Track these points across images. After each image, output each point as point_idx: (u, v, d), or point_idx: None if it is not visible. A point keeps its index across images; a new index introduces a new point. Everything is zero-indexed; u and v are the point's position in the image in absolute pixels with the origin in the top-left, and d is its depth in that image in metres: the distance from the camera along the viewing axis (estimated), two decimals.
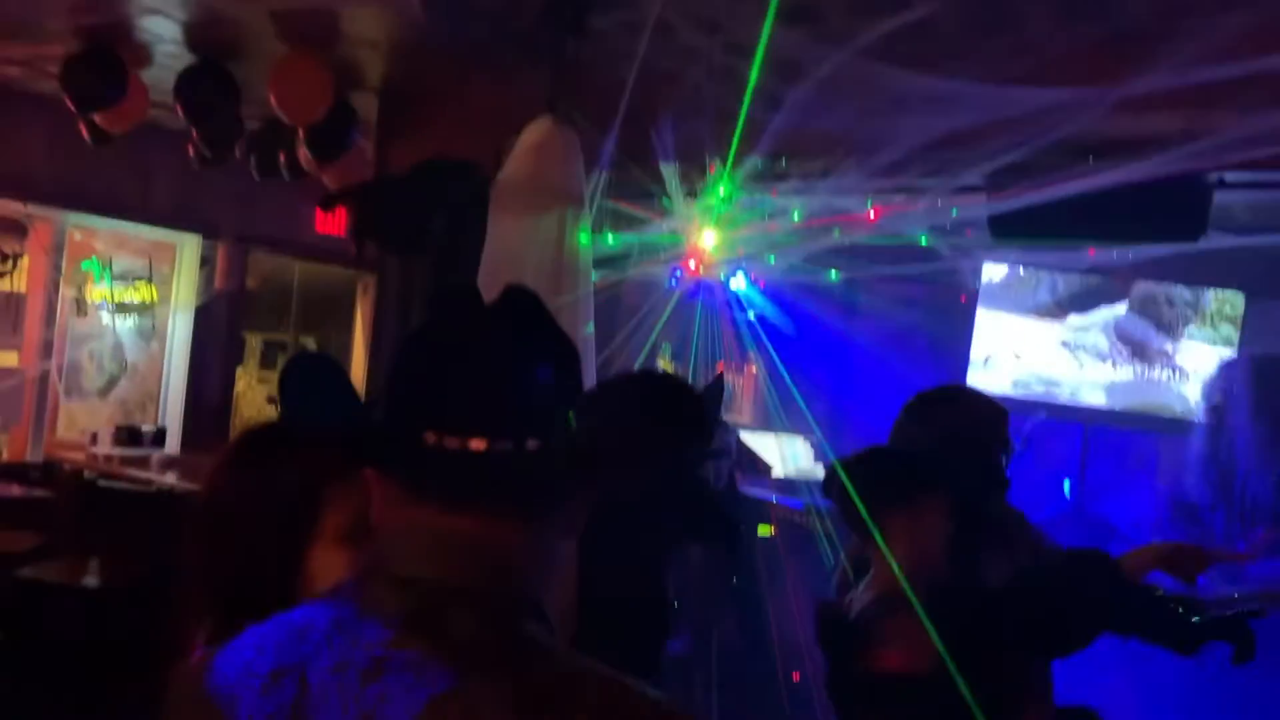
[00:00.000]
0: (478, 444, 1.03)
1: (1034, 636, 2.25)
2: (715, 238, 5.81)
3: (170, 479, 5.99)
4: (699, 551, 4.57)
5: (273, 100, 4.56)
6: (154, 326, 7.10)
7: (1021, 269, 6.27)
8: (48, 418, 6.58)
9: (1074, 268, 6.17)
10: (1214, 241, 4.17)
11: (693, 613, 4.89)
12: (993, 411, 2.68)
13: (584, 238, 4.03)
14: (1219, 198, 3.83)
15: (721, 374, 5.65)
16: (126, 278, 6.99)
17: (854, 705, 2.38)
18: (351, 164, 5.15)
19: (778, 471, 6.39)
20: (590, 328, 4.03)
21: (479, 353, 1.06)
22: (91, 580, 4.60)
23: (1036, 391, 6.29)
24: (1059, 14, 3.44)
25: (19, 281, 6.51)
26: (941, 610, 2.16)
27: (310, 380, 1.17)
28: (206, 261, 7.03)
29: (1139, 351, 6.21)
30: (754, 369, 7.76)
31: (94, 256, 6.85)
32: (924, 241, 5.70)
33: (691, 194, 5.32)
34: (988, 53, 3.54)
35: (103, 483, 5.66)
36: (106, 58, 4.59)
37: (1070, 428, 6.33)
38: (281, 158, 5.21)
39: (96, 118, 4.81)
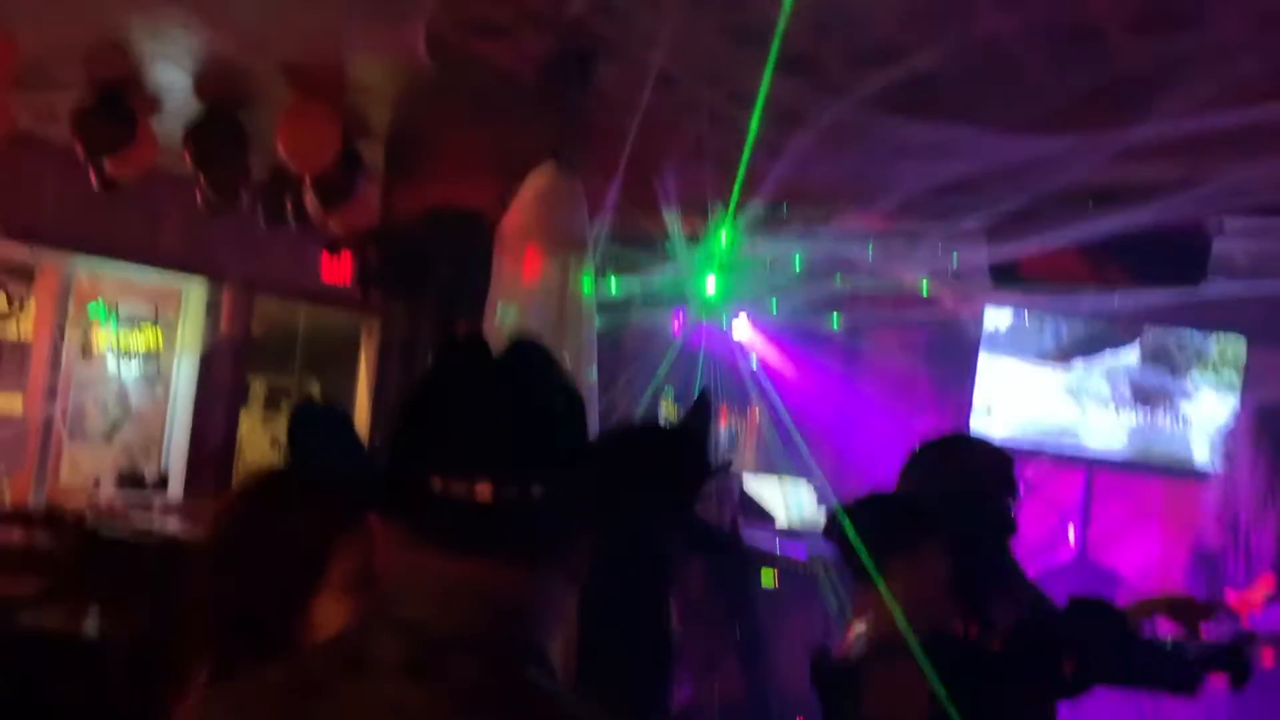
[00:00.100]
0: (483, 490, 1.03)
1: (1035, 684, 2.23)
2: (718, 283, 5.84)
3: (173, 525, 5.97)
4: (702, 599, 4.55)
5: (281, 148, 4.60)
6: (158, 372, 7.12)
7: (1026, 315, 6.29)
8: (51, 463, 6.57)
9: (1076, 311, 6.19)
10: (1215, 287, 4.20)
11: (695, 661, 4.85)
12: (998, 458, 2.68)
13: (587, 284, 4.05)
14: (1219, 243, 3.85)
15: (705, 392, 5.64)
16: (132, 323, 7.02)
17: None
18: (357, 210, 5.19)
19: (781, 521, 6.36)
20: (593, 373, 4.04)
21: (486, 400, 1.07)
22: (92, 628, 4.57)
23: (1040, 438, 6.27)
24: (1057, 63, 3.48)
25: (25, 326, 6.54)
26: (941, 656, 2.15)
27: (317, 429, 1.18)
28: (212, 307, 7.06)
29: (1143, 397, 6.21)
30: (756, 414, 7.75)
31: (100, 301, 6.89)
32: (925, 287, 5.72)
33: (694, 240, 5.36)
34: (987, 102, 3.59)
35: (104, 529, 5.64)
36: (117, 106, 4.64)
37: (1074, 474, 6.31)
38: (288, 204, 5.25)
39: (106, 165, 4.86)
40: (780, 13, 3.25)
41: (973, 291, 5.67)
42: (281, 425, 9.08)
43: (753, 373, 6.84)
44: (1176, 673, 2.25)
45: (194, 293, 7.12)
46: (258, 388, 9.05)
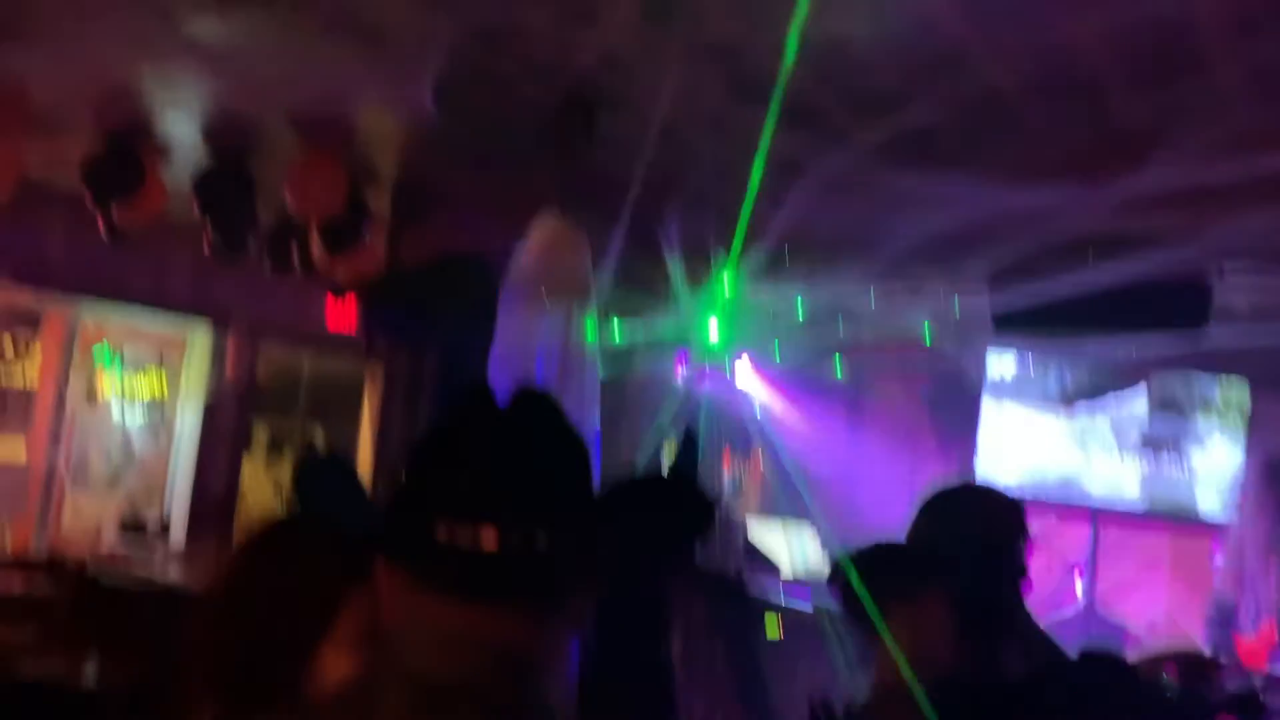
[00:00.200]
0: (488, 538, 1.04)
1: None
2: (720, 330, 5.86)
3: (174, 573, 5.95)
4: (704, 646, 4.51)
5: (288, 197, 4.64)
6: (162, 418, 7.12)
7: (1031, 361, 6.30)
8: (53, 509, 6.56)
9: (1080, 357, 6.19)
10: (1217, 333, 4.21)
11: (696, 708, 4.80)
12: (1010, 504, 2.67)
13: (591, 331, 4.07)
14: (1220, 290, 3.87)
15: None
16: (137, 367, 7.04)
17: None
18: (363, 257, 5.22)
19: (785, 569, 6.32)
20: (596, 419, 4.04)
21: (492, 448, 1.08)
22: (91, 676, 4.53)
23: (1045, 484, 6.25)
24: (1056, 116, 3.53)
25: (30, 371, 6.56)
26: (946, 705, 2.13)
27: (323, 480, 1.18)
28: (217, 352, 7.08)
29: (1148, 444, 6.19)
30: (760, 460, 7.73)
31: (106, 349, 6.91)
32: (927, 333, 5.74)
33: (697, 287, 5.39)
34: (987, 152, 3.63)
35: (105, 577, 5.61)
36: (126, 154, 4.69)
37: (1079, 522, 6.28)
38: (294, 251, 5.28)
39: (114, 212, 4.90)
40: (781, 66, 3.30)
41: (975, 338, 5.68)
42: (284, 470, 9.07)
43: (756, 419, 6.84)
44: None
45: (199, 338, 7.15)
46: (261, 433, 9.05)
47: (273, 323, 7.05)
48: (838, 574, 2.42)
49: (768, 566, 6.29)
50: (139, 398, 7.04)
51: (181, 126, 4.55)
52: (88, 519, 6.75)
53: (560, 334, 3.91)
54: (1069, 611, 6.10)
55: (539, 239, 3.96)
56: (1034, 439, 6.34)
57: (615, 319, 5.55)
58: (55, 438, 6.52)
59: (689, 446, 5.46)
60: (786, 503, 6.51)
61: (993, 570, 2.53)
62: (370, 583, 1.11)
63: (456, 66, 3.39)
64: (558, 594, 1.09)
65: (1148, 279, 3.51)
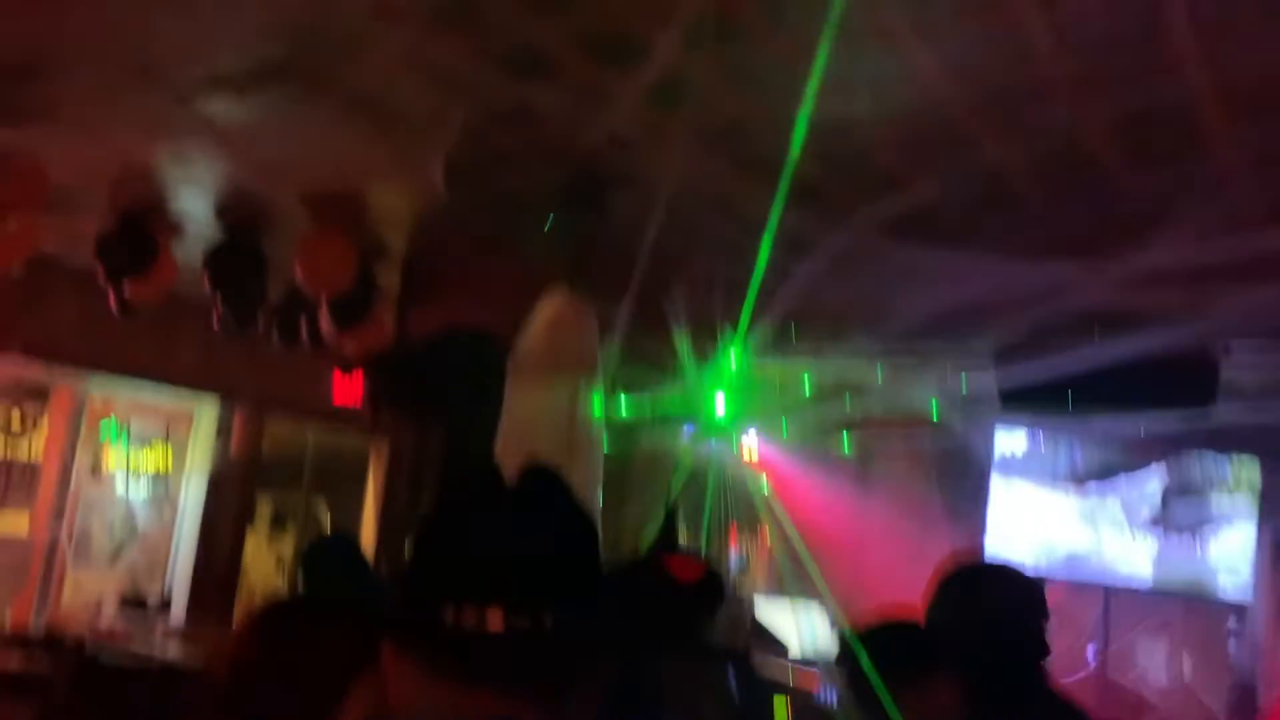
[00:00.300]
0: (494, 621, 1.03)
1: None
2: (727, 404, 5.85)
3: (174, 651, 5.87)
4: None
5: (298, 273, 4.68)
6: (167, 492, 7.10)
7: (1041, 439, 6.28)
8: (54, 586, 6.50)
9: (1089, 436, 6.17)
10: (1226, 411, 4.20)
11: None
12: (1030, 585, 2.64)
13: (597, 406, 4.07)
14: (1227, 367, 3.87)
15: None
16: (143, 442, 7.04)
17: None
18: (372, 332, 5.25)
19: (794, 648, 6.23)
20: (600, 496, 4.02)
21: (498, 530, 1.07)
22: None
23: (1055, 562, 6.19)
24: (1058, 194, 3.57)
25: (36, 446, 6.56)
26: None
27: (330, 562, 1.18)
28: (223, 427, 7.08)
29: (1160, 522, 6.14)
30: (767, 536, 7.67)
31: (113, 423, 6.92)
32: (934, 409, 5.73)
33: (703, 361, 5.40)
34: (990, 230, 3.66)
35: (104, 655, 5.54)
36: (139, 231, 4.74)
37: (1091, 595, 6.20)
38: (303, 326, 5.31)
39: (126, 289, 4.94)
40: (787, 145, 3.35)
41: (982, 414, 5.67)
42: (287, 545, 9.01)
43: (763, 494, 6.80)
44: None
45: (206, 412, 7.16)
46: (264, 507, 9.01)
47: (279, 397, 7.06)
48: (846, 653, 2.38)
49: (776, 645, 6.19)
50: (144, 472, 7.03)
51: (194, 204, 4.61)
52: (88, 595, 6.69)
53: (567, 410, 3.91)
54: (1079, 675, 6.00)
55: (546, 315, 3.98)
56: (1044, 516, 6.29)
57: (622, 394, 5.55)
58: (58, 512, 6.50)
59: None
60: (794, 580, 6.43)
61: (1015, 651, 2.49)
62: (376, 664, 1.10)
63: (466, 146, 3.45)
64: (565, 676, 1.08)
65: (1154, 357, 3.51)
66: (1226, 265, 3.15)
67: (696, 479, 6.72)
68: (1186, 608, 6.25)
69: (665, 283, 4.40)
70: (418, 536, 1.11)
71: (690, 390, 5.60)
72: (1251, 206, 3.19)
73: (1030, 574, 2.74)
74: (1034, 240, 3.57)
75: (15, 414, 6.49)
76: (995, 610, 2.53)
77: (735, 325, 4.62)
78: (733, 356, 5.19)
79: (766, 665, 5.76)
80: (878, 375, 5.17)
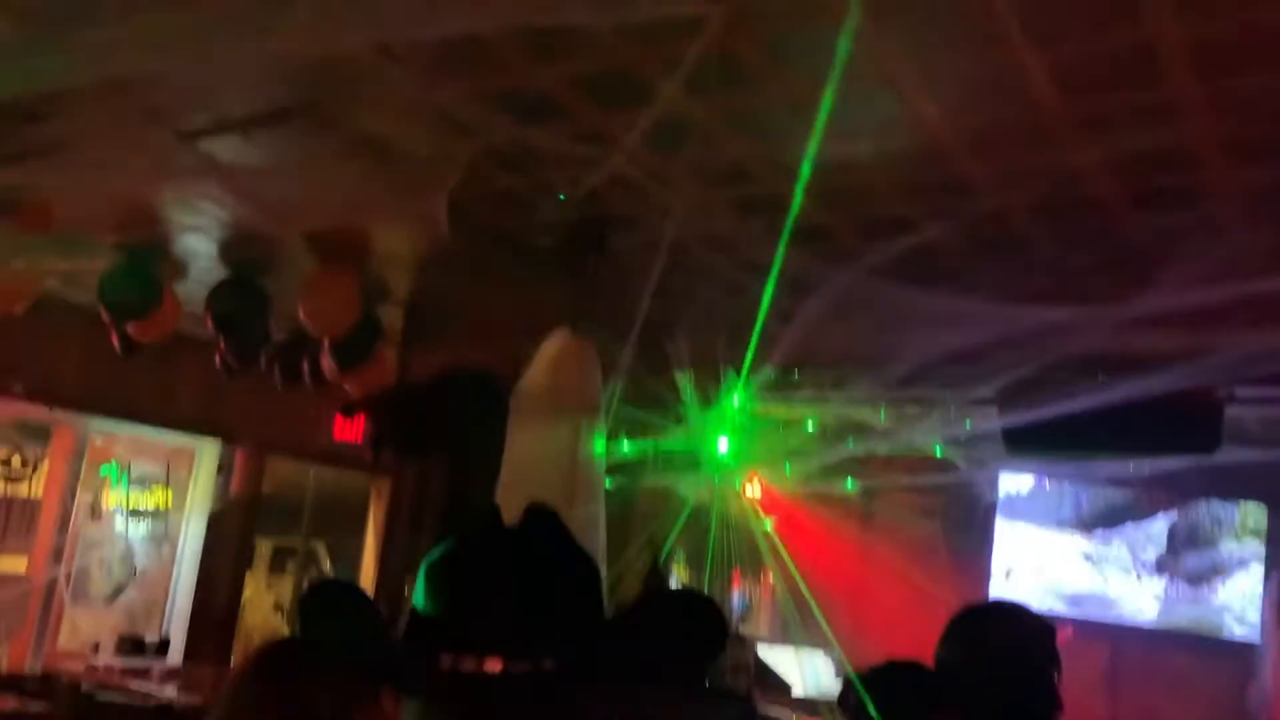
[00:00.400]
0: (493, 665, 1.02)
1: None
2: (730, 445, 5.83)
3: (170, 692, 5.81)
4: None
5: (302, 314, 4.69)
6: (166, 532, 7.07)
7: (1047, 482, 6.25)
8: (51, 626, 6.45)
9: (1095, 479, 6.14)
10: (1231, 454, 4.17)
11: None
12: (1042, 628, 2.60)
13: (599, 447, 4.06)
14: (1232, 411, 3.86)
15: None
16: (143, 483, 7.01)
17: None
18: (374, 372, 5.24)
19: (797, 690, 6.16)
20: (603, 536, 4.00)
21: (498, 577, 1.07)
22: None
23: (1061, 604, 6.13)
24: (1060, 238, 3.57)
25: (36, 486, 6.54)
26: None
27: (331, 606, 1.17)
28: (224, 467, 7.06)
29: (1167, 566, 6.10)
30: (771, 579, 7.61)
31: (113, 461, 6.90)
32: (938, 452, 5.71)
33: (707, 402, 5.39)
34: (993, 273, 3.67)
35: (100, 696, 5.49)
36: (144, 272, 4.76)
37: (1098, 643, 6.14)
38: (305, 367, 5.30)
39: (129, 328, 4.95)
40: (787, 187, 3.37)
41: (986, 456, 5.65)
42: (286, 587, 8.95)
43: (766, 536, 6.75)
44: None
45: (207, 452, 7.14)
46: (263, 548, 8.95)
47: (280, 437, 7.05)
48: (850, 695, 2.36)
49: (779, 687, 6.12)
50: (144, 512, 7.00)
51: (198, 243, 4.63)
52: (86, 634, 6.64)
53: (569, 450, 3.89)
54: None
55: (549, 354, 3.98)
56: (1049, 559, 6.24)
57: (624, 434, 5.54)
58: (57, 552, 6.46)
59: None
60: (798, 622, 6.37)
61: (1023, 690, 2.46)
62: (374, 707, 1.09)
63: (470, 186, 3.46)
64: (565, 717, 1.07)
65: (1159, 400, 3.50)
66: (1230, 309, 3.15)
67: (699, 520, 6.68)
68: (1195, 654, 6.18)
69: (668, 323, 4.41)
70: (419, 580, 1.10)
71: (693, 431, 5.58)
72: (1254, 250, 3.20)
73: (1042, 616, 2.70)
74: (1036, 282, 3.57)
75: (16, 456, 6.48)
76: (1004, 647, 2.50)
77: (738, 366, 4.62)
78: (736, 397, 5.18)
79: (769, 707, 5.70)
80: (882, 416, 5.15)
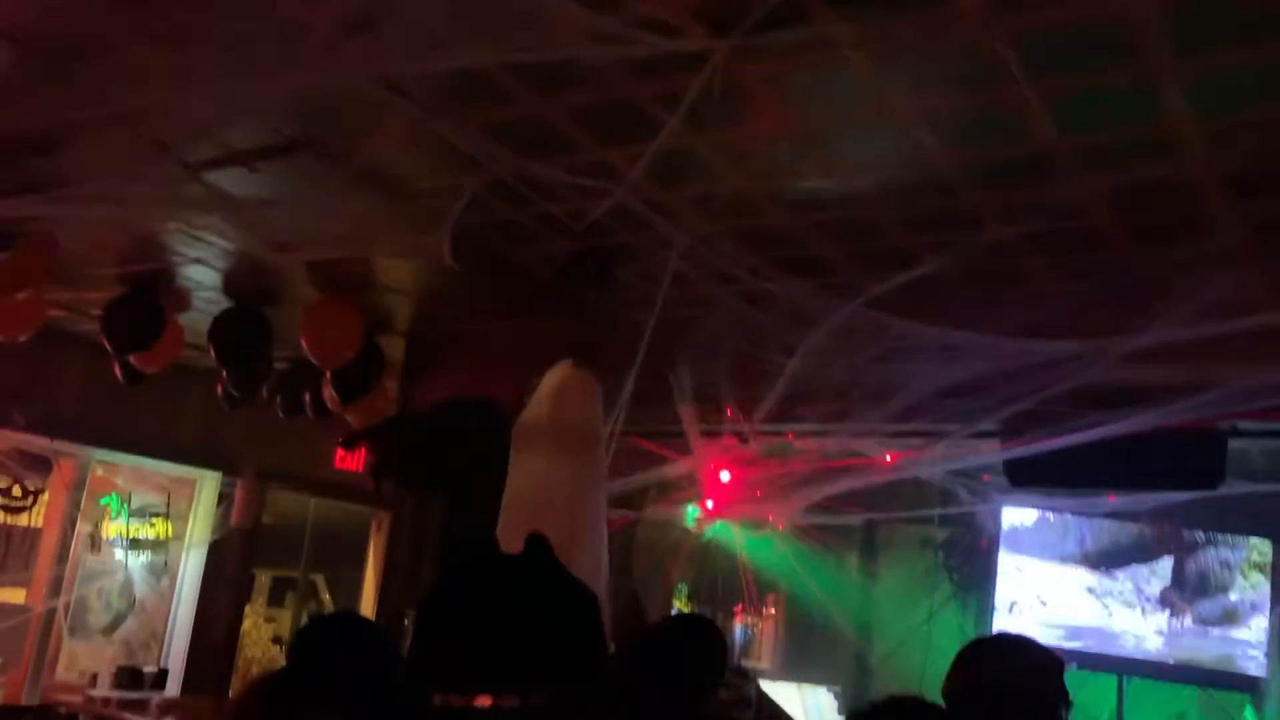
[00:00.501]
0: (482, 702, 1.02)
1: None
2: (732, 477, 5.81)
3: None
4: None
5: (304, 345, 4.70)
6: (166, 563, 7.04)
7: (1051, 516, 6.23)
8: (49, 658, 6.41)
9: (1098, 512, 6.12)
10: (1234, 488, 4.16)
11: None
12: (1052, 661, 2.58)
13: (601, 478, 4.04)
14: (1235, 445, 3.85)
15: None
16: (143, 514, 6.99)
17: None
18: (376, 403, 5.24)
19: None
20: (605, 568, 3.97)
21: (489, 611, 1.06)
22: None
23: (1064, 638, 6.09)
24: (1060, 271, 3.58)
25: (36, 517, 6.52)
26: None
27: (328, 641, 1.16)
28: (224, 497, 7.05)
29: (1169, 600, 6.06)
30: (773, 612, 7.57)
31: (114, 492, 6.89)
32: (942, 484, 5.68)
33: (709, 434, 5.38)
34: (994, 305, 3.67)
35: None
36: (147, 302, 4.77)
37: (1103, 678, 6.09)
38: (306, 397, 5.31)
39: (132, 358, 4.95)
40: (789, 220, 3.38)
41: (989, 490, 5.63)
42: (285, 619, 8.90)
43: (768, 570, 6.72)
44: None
45: (208, 483, 7.13)
46: (262, 579, 8.92)
47: (281, 468, 7.04)
48: None
49: (781, 718, 6.06)
50: (144, 544, 6.98)
51: (202, 274, 4.64)
52: (84, 665, 6.60)
53: (571, 481, 3.88)
54: None
55: (551, 385, 3.98)
56: (1053, 594, 6.20)
57: (626, 464, 5.52)
58: (56, 585, 6.43)
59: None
60: (802, 658, 6.33)
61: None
62: None
63: (473, 218, 3.48)
64: None
65: (1161, 434, 3.49)
66: (1231, 342, 3.14)
67: (701, 554, 6.65)
68: (1202, 687, 6.13)
69: (670, 353, 4.41)
70: (417, 616, 1.10)
71: (696, 462, 5.56)
72: (1256, 282, 3.20)
73: (1050, 649, 2.68)
74: (1038, 315, 3.57)
75: (17, 487, 6.48)
76: (1012, 682, 2.48)
77: (740, 398, 4.61)
78: (738, 429, 5.17)
79: None
80: (884, 448, 5.14)
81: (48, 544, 6.48)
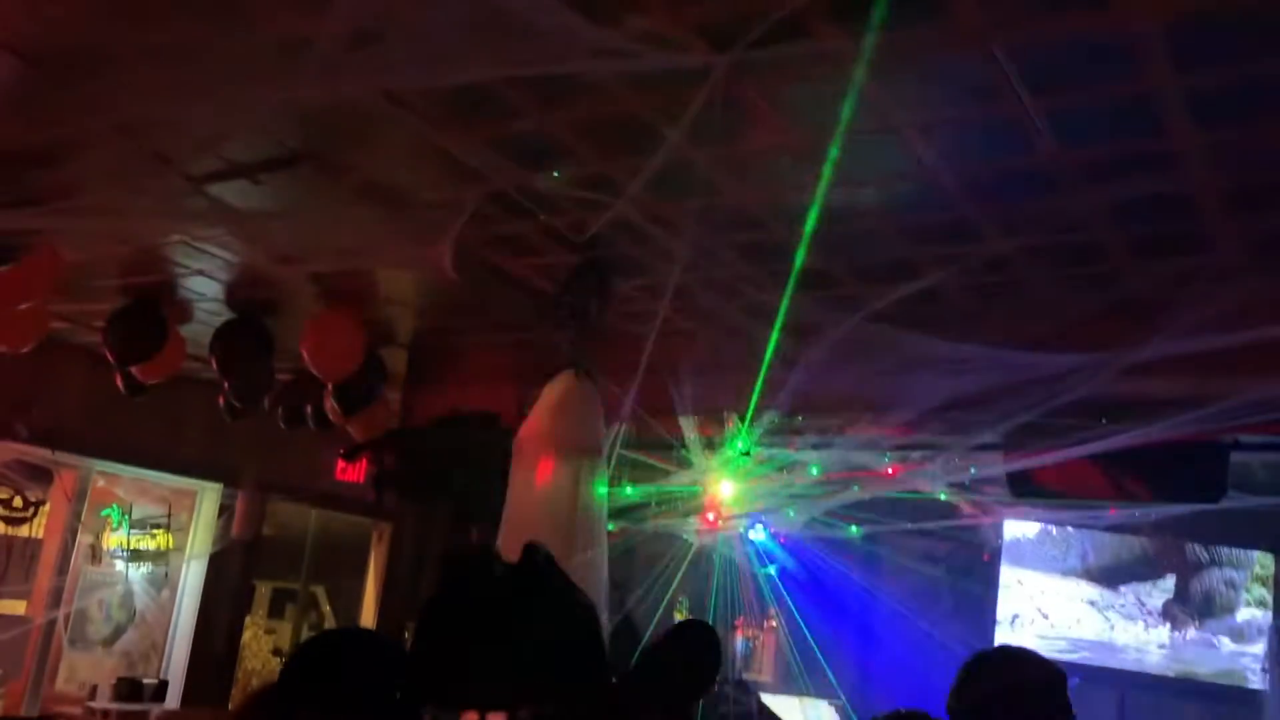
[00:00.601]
0: (470, 718, 1.02)
1: None
2: (734, 490, 5.81)
3: None
4: None
5: (306, 357, 4.70)
6: (166, 575, 7.03)
7: (1053, 530, 6.22)
8: (49, 669, 6.40)
9: (1100, 525, 6.11)
10: (1236, 502, 4.15)
11: None
12: (1054, 675, 2.58)
13: (601, 490, 4.04)
14: (1238, 458, 3.84)
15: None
16: (144, 525, 6.99)
17: None
18: (377, 414, 5.24)
19: None
20: (605, 580, 3.97)
21: (483, 625, 1.06)
22: None
23: (1065, 652, 6.07)
24: (1063, 284, 3.58)
25: (37, 528, 6.52)
26: None
27: (326, 655, 1.16)
28: (225, 509, 7.04)
29: (1170, 613, 6.04)
30: (774, 625, 7.54)
31: (114, 504, 6.88)
32: (944, 497, 5.68)
33: (710, 446, 5.37)
34: (996, 319, 3.67)
35: None
36: (150, 314, 4.78)
37: (1105, 691, 6.07)
38: (308, 409, 5.31)
39: (134, 369, 4.95)
40: (791, 233, 3.38)
41: (991, 503, 5.62)
42: (285, 630, 8.87)
43: (770, 581, 6.70)
44: None
45: (209, 495, 7.12)
46: (262, 590, 8.89)
47: (282, 480, 7.03)
48: None
49: None
50: (144, 555, 6.97)
51: (204, 286, 4.65)
52: (84, 676, 6.59)
53: (571, 493, 3.88)
54: None
55: (552, 397, 3.98)
56: (1054, 605, 6.19)
57: (628, 478, 5.52)
58: (56, 596, 6.42)
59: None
60: (803, 671, 6.31)
61: None
62: None
63: (475, 230, 3.48)
64: None
65: (1163, 447, 3.49)
66: (1233, 355, 3.14)
67: (702, 565, 6.64)
68: (1203, 700, 6.11)
69: (672, 365, 4.41)
70: (415, 634, 1.10)
71: (697, 476, 5.56)
72: (1257, 295, 3.20)
73: (1052, 662, 2.67)
74: (1039, 328, 3.57)
75: (18, 499, 6.47)
76: (1016, 695, 2.47)
77: (742, 410, 4.61)
78: (739, 442, 5.16)
79: None
80: (886, 461, 5.13)
81: (48, 555, 6.46)
